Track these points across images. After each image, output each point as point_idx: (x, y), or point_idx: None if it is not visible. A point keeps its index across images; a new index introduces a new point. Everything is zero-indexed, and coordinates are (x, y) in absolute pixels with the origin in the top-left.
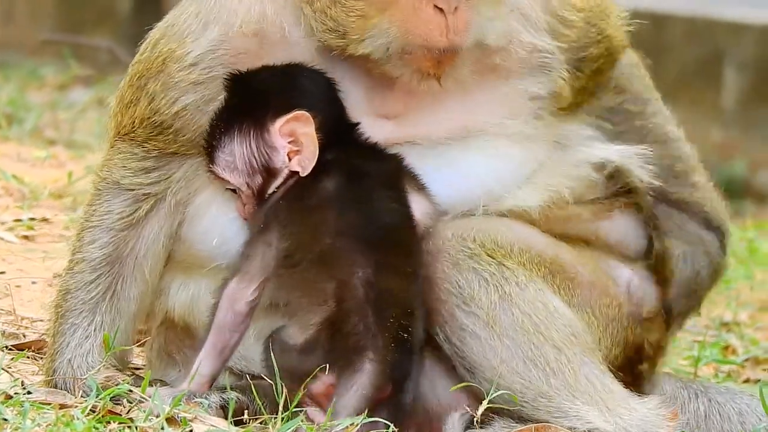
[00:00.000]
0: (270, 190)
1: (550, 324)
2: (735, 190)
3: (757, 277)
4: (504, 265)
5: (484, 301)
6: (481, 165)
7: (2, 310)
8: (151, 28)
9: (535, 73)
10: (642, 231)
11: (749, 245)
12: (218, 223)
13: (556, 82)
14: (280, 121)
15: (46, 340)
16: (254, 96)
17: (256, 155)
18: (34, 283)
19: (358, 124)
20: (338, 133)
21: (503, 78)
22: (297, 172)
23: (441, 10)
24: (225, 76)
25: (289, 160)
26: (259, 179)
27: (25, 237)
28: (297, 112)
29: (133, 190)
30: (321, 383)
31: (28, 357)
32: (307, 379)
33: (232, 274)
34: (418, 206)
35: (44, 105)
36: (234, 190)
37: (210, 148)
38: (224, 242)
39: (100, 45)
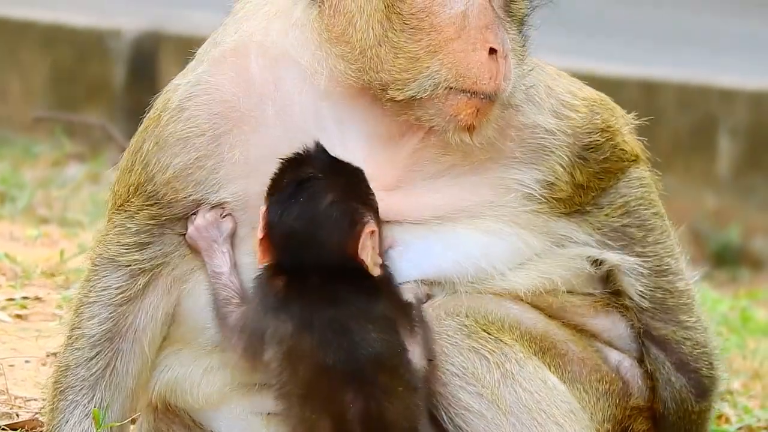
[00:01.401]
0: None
1: (550, 401)
2: (730, 257)
3: (750, 346)
4: (502, 341)
5: (488, 380)
6: (472, 244)
7: None
8: (145, 103)
9: (534, 156)
10: (634, 340)
11: (742, 314)
12: None
13: (554, 169)
14: (261, 210)
15: (40, 419)
16: (276, 177)
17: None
18: (27, 362)
19: (353, 258)
20: (322, 264)
21: (500, 160)
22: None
23: (494, 53)
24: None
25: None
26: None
27: (18, 316)
28: (261, 227)
29: (129, 266)
30: None
31: None
32: None
33: None
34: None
35: (37, 182)
36: None
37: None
38: None
39: (93, 123)
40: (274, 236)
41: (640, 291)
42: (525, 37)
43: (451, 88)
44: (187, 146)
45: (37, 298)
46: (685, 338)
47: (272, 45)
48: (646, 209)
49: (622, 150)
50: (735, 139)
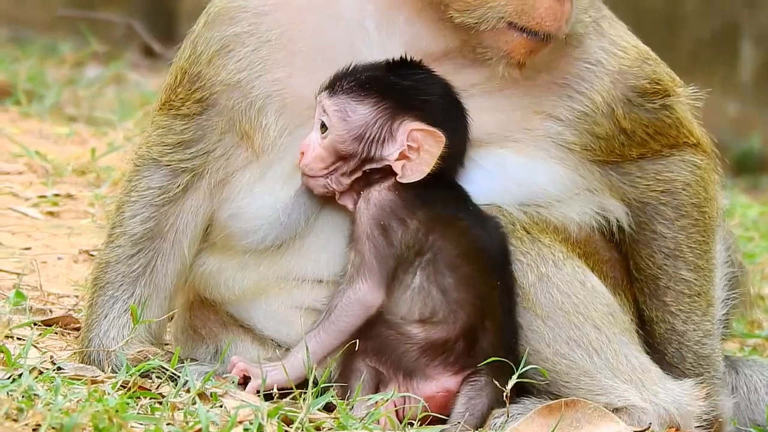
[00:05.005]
0: (355, 166)
1: (589, 303)
2: (751, 165)
3: None
4: (540, 241)
5: (522, 284)
6: (517, 168)
7: (29, 286)
8: (165, 3)
9: (571, 84)
10: None
11: None
12: (261, 206)
13: (592, 99)
14: (416, 125)
15: (74, 316)
16: (411, 89)
17: (373, 130)
18: (59, 259)
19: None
20: (448, 169)
21: (538, 86)
22: (393, 173)
23: None
24: (399, 58)
25: (396, 159)
26: (357, 146)
27: (50, 213)
28: (437, 131)
29: (170, 165)
30: (436, 386)
31: (56, 333)
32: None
33: (355, 275)
34: None
35: (62, 81)
36: (324, 126)
37: (338, 83)
38: (266, 225)
39: (118, 21)
40: (446, 159)
41: (639, 259)
42: None
43: (512, 23)
44: (233, 21)
45: (69, 196)
46: (660, 319)
47: None
48: (688, 196)
49: (678, 119)
50: (758, 47)
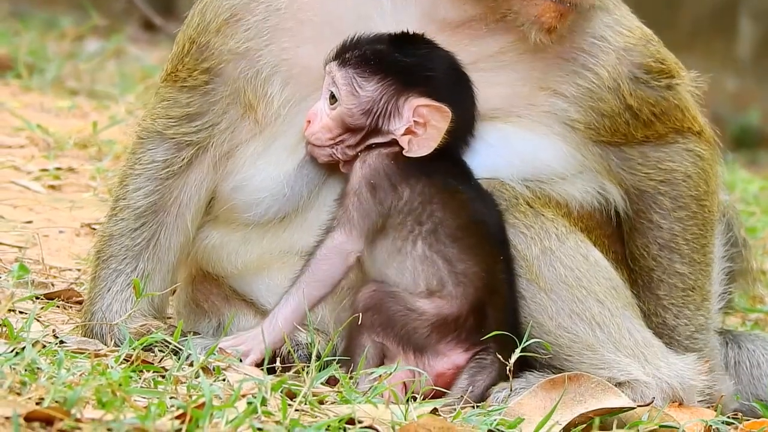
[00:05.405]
0: (362, 138)
1: (591, 277)
2: (750, 140)
3: None
4: (543, 215)
5: (526, 256)
6: (521, 142)
7: (30, 259)
8: None
9: (578, 57)
10: None
11: None
12: (265, 179)
13: (598, 73)
14: (422, 101)
15: (76, 289)
16: (415, 66)
17: (379, 105)
18: (61, 232)
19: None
20: (455, 145)
21: (546, 60)
22: (399, 147)
23: None
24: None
25: (403, 134)
26: (365, 120)
27: (52, 186)
28: (443, 106)
29: (174, 138)
30: (448, 362)
31: (58, 306)
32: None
33: (335, 226)
34: None
35: (63, 55)
36: (333, 97)
37: (346, 54)
38: (269, 197)
39: None
40: (452, 133)
41: (635, 248)
42: None
43: None
44: None
45: (71, 169)
46: (652, 313)
47: None
48: (687, 188)
49: (683, 102)
50: (757, 23)
